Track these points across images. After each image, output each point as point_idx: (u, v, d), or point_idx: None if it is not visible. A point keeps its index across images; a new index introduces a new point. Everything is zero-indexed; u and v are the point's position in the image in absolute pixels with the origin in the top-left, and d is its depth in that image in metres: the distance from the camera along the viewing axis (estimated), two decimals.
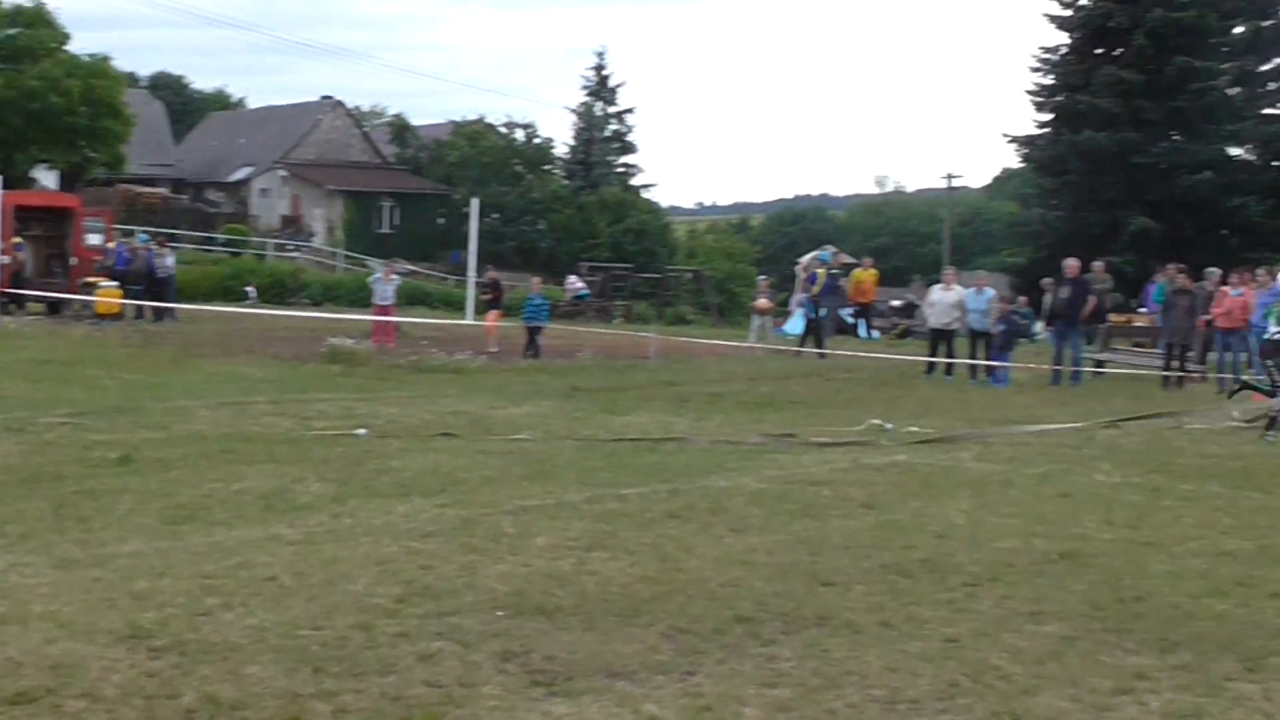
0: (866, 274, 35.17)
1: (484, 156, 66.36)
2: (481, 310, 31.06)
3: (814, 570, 8.31)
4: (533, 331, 27.17)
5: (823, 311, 34.16)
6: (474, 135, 68.11)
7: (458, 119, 71.85)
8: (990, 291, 25.25)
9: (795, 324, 33.03)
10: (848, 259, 48.85)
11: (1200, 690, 6.14)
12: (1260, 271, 23.03)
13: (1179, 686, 6.19)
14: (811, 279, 30.14)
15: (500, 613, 7.11)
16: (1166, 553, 9.09)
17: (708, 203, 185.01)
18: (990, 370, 23.74)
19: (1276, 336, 16.26)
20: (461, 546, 8.65)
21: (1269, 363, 16.41)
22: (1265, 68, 48.66)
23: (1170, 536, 9.65)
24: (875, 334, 36.15)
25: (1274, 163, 47.30)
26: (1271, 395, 16.24)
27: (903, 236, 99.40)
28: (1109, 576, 8.31)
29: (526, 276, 43.06)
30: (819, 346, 28.32)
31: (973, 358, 24.11)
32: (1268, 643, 6.91)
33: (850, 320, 36.09)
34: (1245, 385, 17.64)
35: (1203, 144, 44.41)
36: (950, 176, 73.76)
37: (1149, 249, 41.57)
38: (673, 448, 13.95)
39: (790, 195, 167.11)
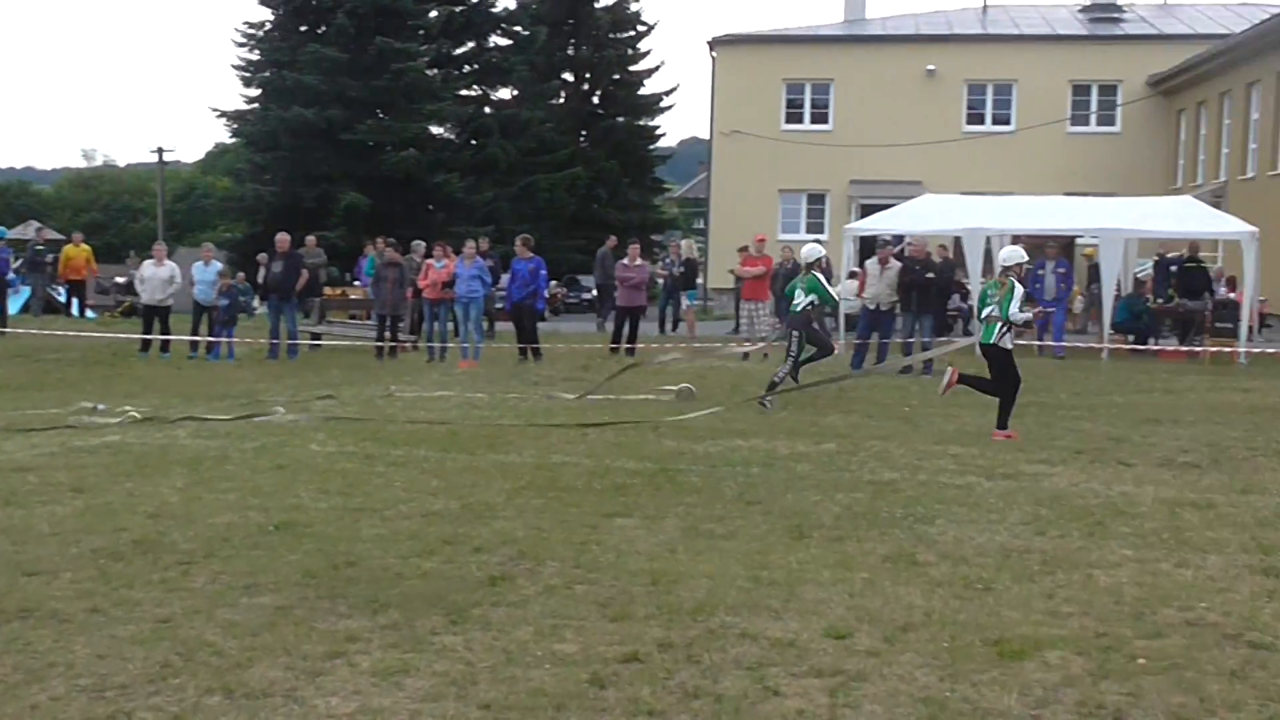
0: (77, 250, 33.58)
1: None
2: None
3: (17, 561, 7.88)
4: None
5: (26, 291, 32.44)
6: None
7: None
8: (217, 264, 24.95)
9: (14, 303, 31.25)
10: (54, 234, 46.60)
11: (408, 646, 6.39)
12: (469, 244, 24.17)
13: (389, 645, 6.41)
14: None
15: None
16: (379, 517, 9.39)
17: None
18: (210, 346, 23.50)
19: (800, 308, 17.21)
20: None
21: (795, 333, 17.31)
22: (460, 51, 51.26)
23: (382, 501, 9.98)
24: (91, 313, 34.70)
25: (473, 141, 49.94)
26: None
27: (115, 212, 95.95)
28: (324, 544, 8.47)
29: None
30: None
31: (195, 332, 23.75)
32: (470, 595, 7.31)
33: (63, 298, 34.44)
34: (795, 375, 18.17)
35: (407, 122, 46.06)
36: (161, 150, 72.09)
37: (360, 223, 42.70)
38: None
39: None
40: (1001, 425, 13.87)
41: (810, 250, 17.80)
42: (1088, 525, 9.31)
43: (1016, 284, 13.89)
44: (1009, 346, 14.00)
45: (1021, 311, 13.92)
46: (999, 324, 13.89)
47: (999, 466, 11.85)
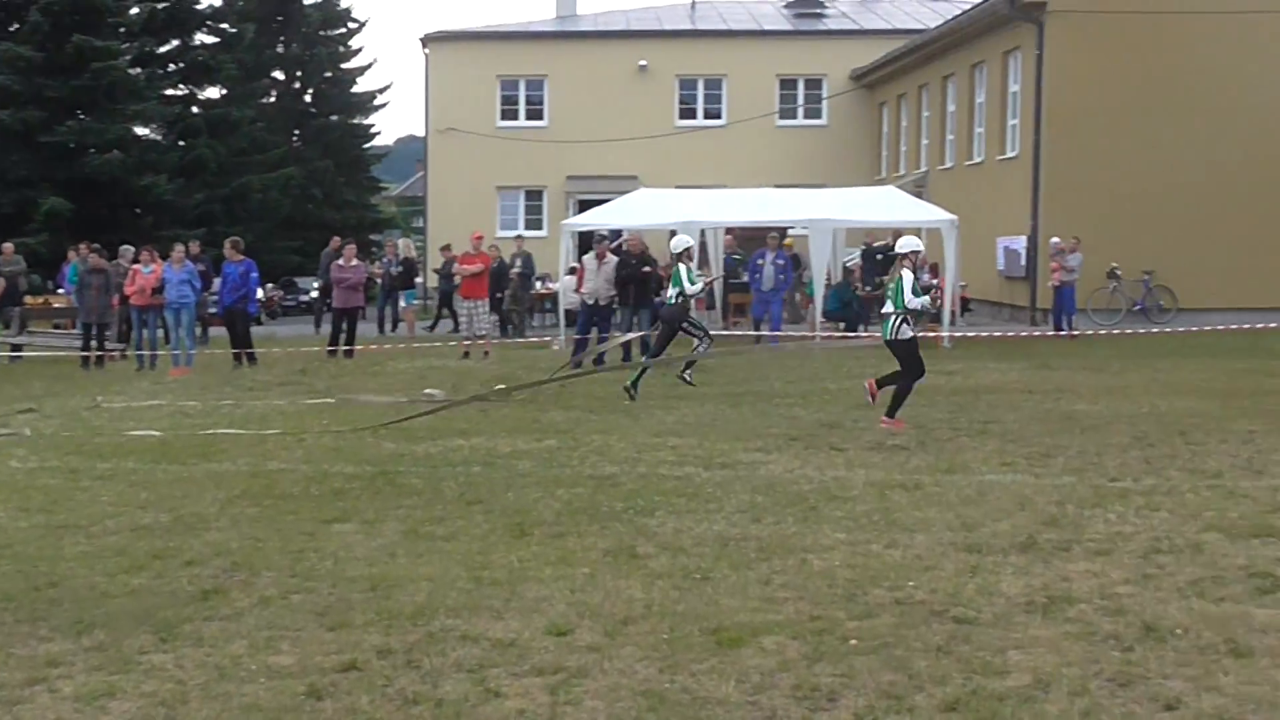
0: None
1: None
2: None
3: None
4: None
5: None
6: None
7: None
8: None
9: None
10: None
11: (115, 668, 6.14)
12: (177, 248, 23.38)
13: (93, 667, 6.15)
14: None
15: None
16: (84, 533, 9.04)
17: None
18: None
19: (674, 301, 17.00)
20: None
21: (686, 324, 17.17)
22: (164, 49, 49.66)
23: (88, 517, 9.60)
24: None
25: (181, 142, 48.47)
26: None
27: None
28: (23, 565, 8.11)
29: None
30: None
31: None
32: (181, 611, 7.07)
33: None
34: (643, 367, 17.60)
35: (110, 123, 44.35)
36: None
37: (63, 228, 40.98)
38: None
39: None
40: (890, 414, 13.53)
41: (678, 241, 17.60)
42: (802, 510, 9.53)
43: (906, 273, 13.55)
44: (908, 335, 13.66)
45: (916, 297, 13.49)
46: (893, 315, 13.61)
47: (717, 456, 12.05)
